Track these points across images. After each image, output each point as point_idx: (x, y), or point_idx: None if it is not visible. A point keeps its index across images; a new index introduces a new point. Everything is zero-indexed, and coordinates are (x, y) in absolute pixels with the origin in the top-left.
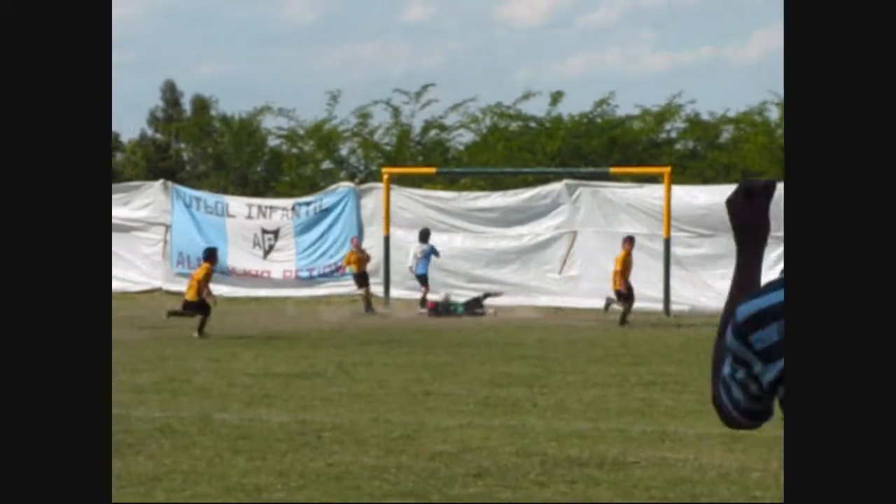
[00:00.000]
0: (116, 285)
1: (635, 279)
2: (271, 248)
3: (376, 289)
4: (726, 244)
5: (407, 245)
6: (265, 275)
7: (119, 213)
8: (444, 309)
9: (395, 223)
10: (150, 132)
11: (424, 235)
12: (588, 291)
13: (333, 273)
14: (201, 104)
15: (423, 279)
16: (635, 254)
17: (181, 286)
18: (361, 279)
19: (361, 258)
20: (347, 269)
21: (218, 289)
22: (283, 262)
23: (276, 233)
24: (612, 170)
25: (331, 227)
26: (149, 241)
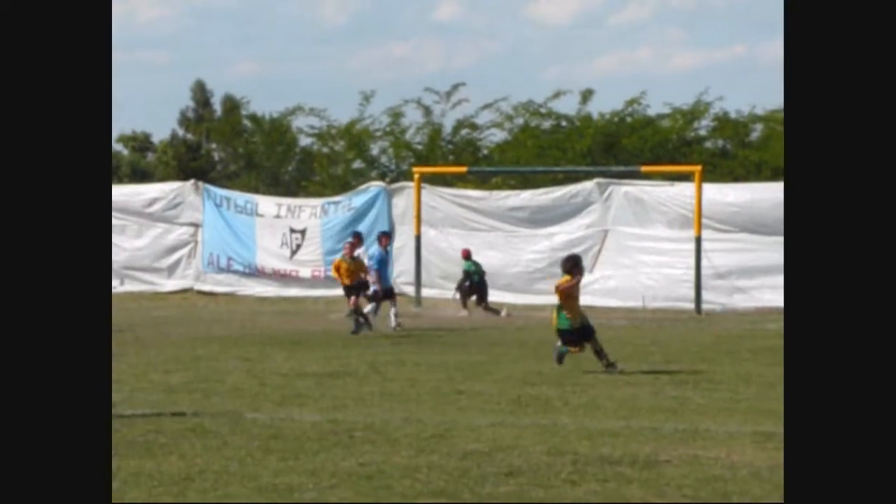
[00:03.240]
0: (147, 287)
1: (660, 278)
2: (298, 247)
3: (408, 288)
4: (760, 243)
5: (438, 244)
6: (294, 274)
7: (151, 211)
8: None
9: (427, 222)
10: (181, 132)
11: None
12: (618, 291)
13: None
14: (232, 104)
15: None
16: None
17: (212, 286)
18: (351, 291)
19: (353, 268)
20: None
21: (250, 288)
22: (312, 262)
23: (303, 232)
24: (644, 168)
25: (361, 226)
26: (180, 241)
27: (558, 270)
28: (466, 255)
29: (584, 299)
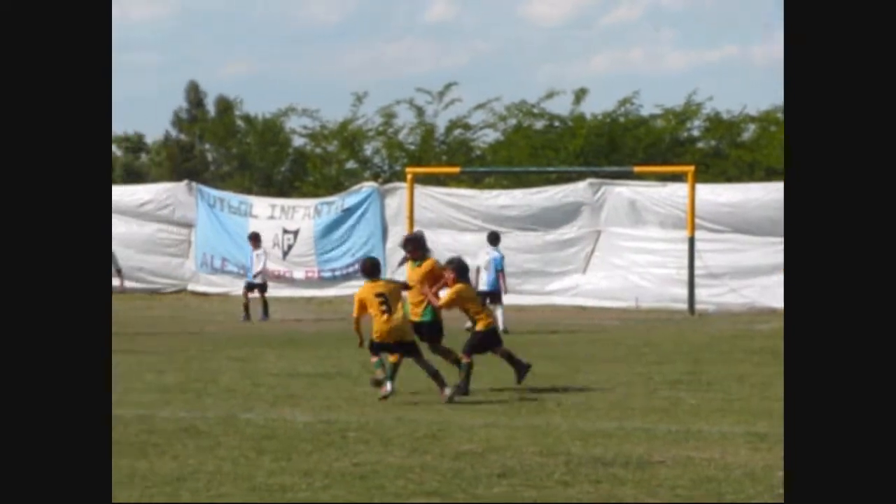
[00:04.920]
0: (145, 286)
1: (653, 278)
2: (290, 248)
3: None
4: (752, 244)
5: (430, 244)
6: (287, 275)
7: (145, 212)
8: None
9: (419, 223)
10: (174, 133)
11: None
12: (610, 291)
13: (357, 273)
14: (225, 105)
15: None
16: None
17: (205, 286)
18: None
19: None
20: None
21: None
22: (305, 263)
23: (295, 233)
24: (636, 168)
25: (354, 226)
26: (173, 241)
27: (551, 270)
28: None
29: (577, 300)
